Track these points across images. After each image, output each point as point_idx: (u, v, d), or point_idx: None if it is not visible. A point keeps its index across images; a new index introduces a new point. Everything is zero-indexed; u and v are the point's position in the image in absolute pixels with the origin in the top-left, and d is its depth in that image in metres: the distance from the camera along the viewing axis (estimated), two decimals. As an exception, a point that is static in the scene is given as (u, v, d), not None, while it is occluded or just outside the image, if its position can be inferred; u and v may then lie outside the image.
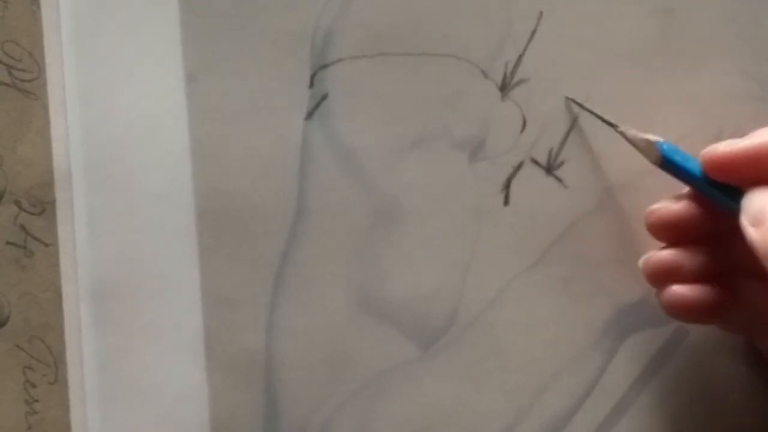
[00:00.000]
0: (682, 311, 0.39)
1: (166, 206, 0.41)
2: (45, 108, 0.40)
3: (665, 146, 0.39)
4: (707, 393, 0.42)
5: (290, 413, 0.41)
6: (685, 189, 0.40)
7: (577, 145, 0.42)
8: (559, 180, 0.42)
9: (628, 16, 0.42)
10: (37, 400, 0.40)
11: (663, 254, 0.39)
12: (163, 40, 0.40)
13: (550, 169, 0.42)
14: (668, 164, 0.39)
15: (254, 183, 0.41)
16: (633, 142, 0.40)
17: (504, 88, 0.42)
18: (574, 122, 0.42)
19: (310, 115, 0.41)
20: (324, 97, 0.41)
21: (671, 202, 0.40)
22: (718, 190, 0.38)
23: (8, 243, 0.40)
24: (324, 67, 0.41)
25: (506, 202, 0.42)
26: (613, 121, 0.41)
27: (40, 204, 0.40)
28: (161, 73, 0.40)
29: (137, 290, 0.40)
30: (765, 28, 0.43)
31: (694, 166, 0.39)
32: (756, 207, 0.36)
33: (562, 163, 0.42)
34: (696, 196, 0.39)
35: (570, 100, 0.42)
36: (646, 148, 0.40)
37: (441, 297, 0.42)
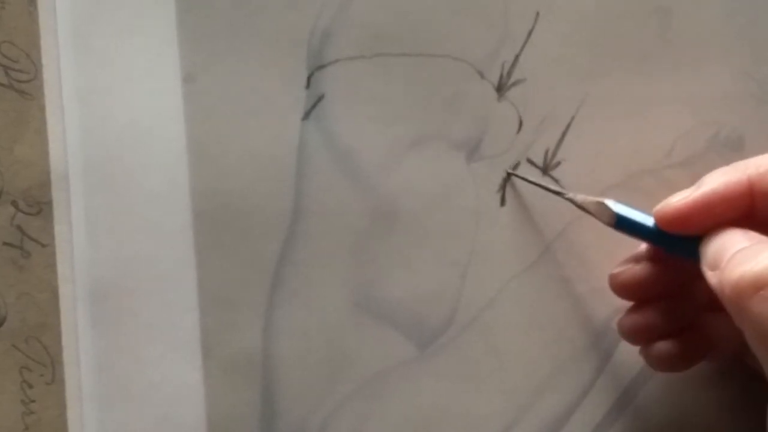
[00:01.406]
0: (667, 366, 0.40)
1: (163, 206, 0.41)
2: (42, 109, 0.40)
3: (617, 207, 0.39)
4: (705, 393, 0.42)
5: (288, 413, 0.41)
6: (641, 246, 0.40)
7: (573, 146, 0.42)
8: (556, 180, 0.42)
9: (626, 16, 0.42)
10: (34, 401, 0.40)
11: (635, 317, 0.40)
12: (161, 40, 0.40)
13: (546, 169, 0.42)
14: (622, 224, 0.39)
15: (251, 183, 0.41)
16: (583, 207, 0.40)
17: (501, 88, 0.42)
18: (570, 123, 0.42)
19: (307, 116, 0.41)
20: (321, 98, 0.41)
21: (632, 263, 0.40)
22: (674, 242, 0.38)
23: (5, 243, 0.40)
24: (321, 67, 0.41)
25: (503, 202, 0.42)
26: (559, 189, 0.41)
27: (37, 204, 0.40)
28: (158, 74, 0.40)
29: (134, 290, 0.40)
30: (764, 28, 0.43)
31: (648, 221, 0.38)
32: (711, 252, 0.36)
33: (558, 164, 0.42)
34: (654, 252, 0.40)
35: (512, 174, 0.42)
36: (597, 211, 0.39)
37: (439, 297, 0.42)
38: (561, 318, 0.42)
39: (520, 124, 0.42)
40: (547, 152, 0.42)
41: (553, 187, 0.41)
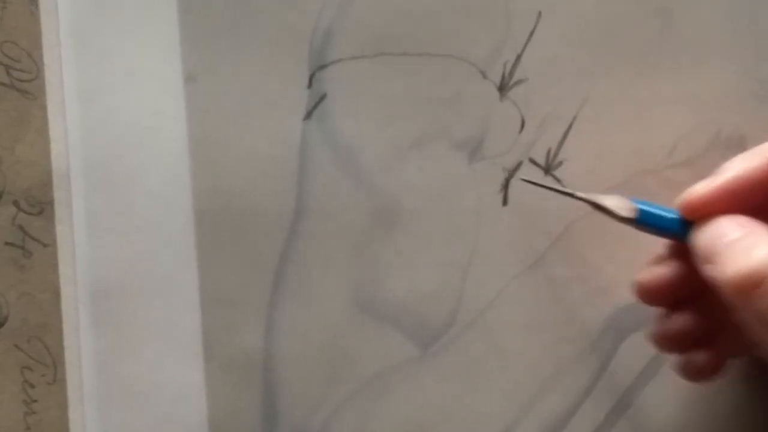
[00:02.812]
0: (710, 376, 0.39)
1: (164, 206, 0.41)
2: (43, 108, 0.40)
3: (640, 204, 0.38)
4: (708, 393, 0.42)
5: (289, 413, 0.41)
6: (660, 246, 0.39)
7: (575, 146, 0.42)
8: (558, 180, 0.42)
9: (627, 16, 0.42)
10: (35, 401, 0.40)
11: (668, 324, 0.39)
12: (162, 40, 0.40)
13: (548, 169, 0.42)
14: (645, 218, 0.38)
15: (253, 183, 0.41)
16: (599, 204, 0.38)
17: (503, 88, 0.42)
18: (572, 122, 0.42)
19: (308, 116, 0.41)
20: (323, 98, 0.41)
21: (654, 266, 0.39)
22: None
23: (7, 243, 0.40)
24: (323, 67, 0.41)
25: (505, 202, 0.42)
26: (569, 191, 0.39)
27: (39, 204, 0.40)
28: (160, 74, 0.40)
29: (136, 290, 0.40)
30: (765, 28, 0.43)
31: (670, 214, 0.38)
32: (703, 244, 0.36)
33: (560, 164, 0.42)
34: (677, 249, 0.39)
35: (524, 180, 0.41)
36: (617, 206, 0.38)
37: (440, 297, 0.42)
38: (562, 318, 0.42)
39: (522, 123, 0.42)
40: (549, 152, 0.42)
41: (562, 188, 0.40)
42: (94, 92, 0.40)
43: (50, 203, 0.40)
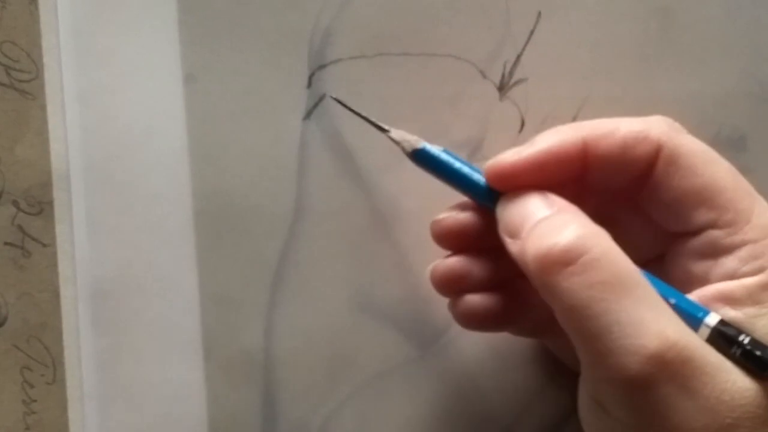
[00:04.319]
0: (475, 322, 0.38)
1: (164, 206, 0.40)
2: (43, 108, 0.40)
3: (444, 153, 0.37)
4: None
5: (289, 413, 0.41)
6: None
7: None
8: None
9: (627, 16, 0.42)
10: (35, 400, 0.40)
11: (450, 261, 0.38)
12: (162, 40, 0.40)
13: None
14: (437, 166, 0.37)
15: (252, 183, 0.41)
16: (396, 141, 0.38)
17: (502, 88, 0.42)
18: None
19: (308, 116, 0.41)
20: (322, 98, 0.41)
21: (457, 211, 0.38)
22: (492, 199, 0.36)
23: (6, 243, 0.40)
24: (322, 67, 0.41)
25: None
26: (377, 122, 0.39)
27: (38, 204, 0.40)
28: (159, 74, 0.40)
29: (135, 290, 0.40)
30: (765, 28, 0.43)
31: (475, 176, 0.37)
32: (510, 217, 0.35)
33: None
34: (480, 206, 0.38)
35: (335, 99, 0.40)
36: (404, 142, 0.38)
37: (440, 297, 0.42)
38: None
39: (522, 123, 0.42)
40: (548, 152, 0.42)
41: (373, 119, 0.39)
42: (93, 92, 0.40)
43: (50, 203, 0.40)
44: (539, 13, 0.42)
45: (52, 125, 0.40)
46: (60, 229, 0.40)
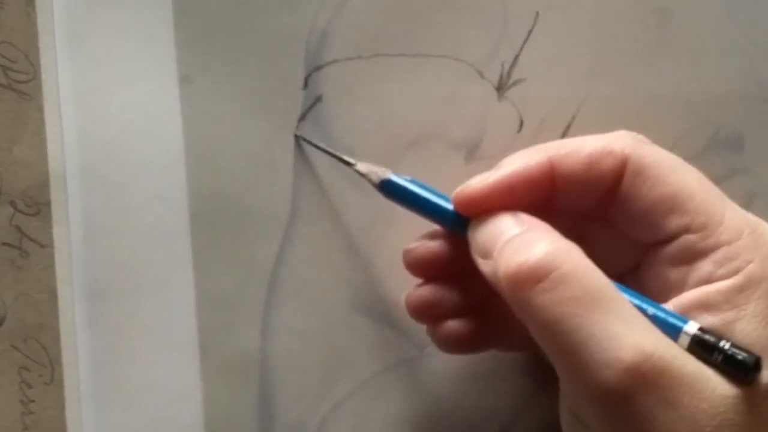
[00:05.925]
0: (455, 346, 0.39)
1: (160, 207, 0.41)
2: (40, 109, 0.40)
3: (409, 182, 0.38)
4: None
5: (285, 414, 0.41)
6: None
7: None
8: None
9: (625, 16, 0.42)
10: (33, 401, 0.40)
11: (422, 291, 0.39)
12: (158, 41, 0.40)
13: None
14: (405, 197, 0.38)
15: (248, 184, 0.41)
16: (364, 175, 0.39)
17: (500, 88, 0.42)
18: (570, 123, 0.42)
19: (304, 117, 0.41)
20: (318, 99, 0.41)
21: (427, 239, 0.39)
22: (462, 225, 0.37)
23: (4, 244, 0.40)
24: (318, 68, 0.41)
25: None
26: (345, 157, 0.39)
27: (36, 205, 0.40)
28: (155, 75, 0.40)
29: (132, 291, 0.40)
30: (763, 29, 0.42)
31: (443, 203, 0.37)
32: (481, 239, 0.35)
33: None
34: (450, 233, 0.38)
35: (300, 138, 0.41)
36: (370, 174, 0.38)
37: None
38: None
39: (521, 124, 0.42)
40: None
41: (338, 154, 0.40)
42: (89, 93, 0.40)
43: (47, 204, 0.40)
44: (537, 13, 0.42)
45: (49, 126, 0.40)
46: (57, 229, 0.40)
